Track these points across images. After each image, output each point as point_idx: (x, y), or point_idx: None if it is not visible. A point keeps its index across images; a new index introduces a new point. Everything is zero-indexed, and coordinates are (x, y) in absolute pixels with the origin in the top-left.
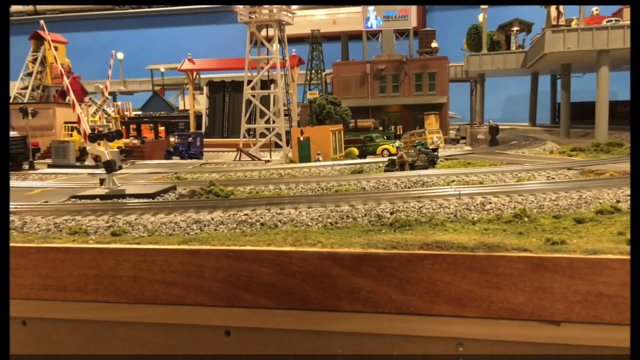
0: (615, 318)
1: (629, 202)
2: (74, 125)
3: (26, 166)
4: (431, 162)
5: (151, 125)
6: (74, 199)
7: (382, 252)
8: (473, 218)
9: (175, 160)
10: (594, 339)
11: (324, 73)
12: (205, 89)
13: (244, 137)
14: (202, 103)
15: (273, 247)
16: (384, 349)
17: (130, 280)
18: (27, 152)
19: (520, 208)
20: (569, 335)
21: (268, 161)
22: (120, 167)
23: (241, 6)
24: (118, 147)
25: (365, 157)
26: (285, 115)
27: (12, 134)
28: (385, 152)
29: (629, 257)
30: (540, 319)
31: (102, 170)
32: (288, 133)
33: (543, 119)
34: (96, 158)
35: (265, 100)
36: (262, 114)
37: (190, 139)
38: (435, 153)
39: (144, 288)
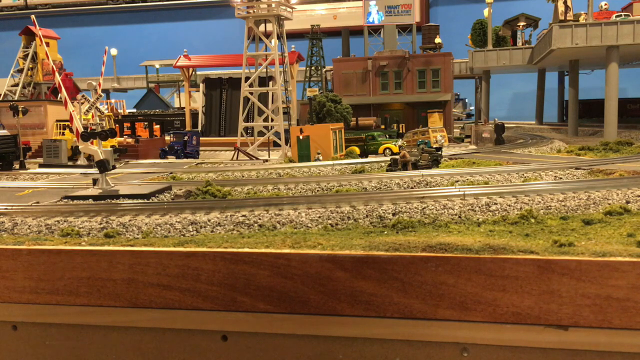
0: (625, 322)
1: (639, 203)
2: (66, 123)
3: (17, 166)
4: (435, 162)
5: (146, 123)
6: (66, 200)
7: (384, 255)
8: (478, 219)
9: (171, 159)
10: (603, 344)
11: (324, 69)
12: (201, 86)
13: (242, 135)
14: (198, 100)
15: (272, 249)
16: (386, 355)
17: (124, 283)
18: (18, 151)
19: (526, 209)
20: (577, 340)
21: (266, 160)
22: (114, 167)
23: (239, 0)
24: (111, 146)
25: (366, 157)
26: (284, 113)
27: (2, 132)
28: (387, 151)
29: (639, 259)
30: (547, 323)
31: (95, 170)
32: (287, 131)
33: (550, 116)
34: (89, 157)
35: (263, 98)
36: (261, 112)
37: (186, 138)
38: (439, 152)
39: (139, 291)
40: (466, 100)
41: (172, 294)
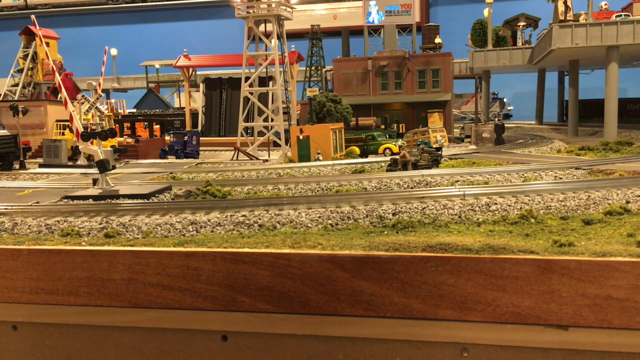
0: (625, 322)
1: (639, 203)
2: (66, 123)
3: (17, 166)
4: (435, 162)
5: (146, 123)
6: (66, 200)
7: (384, 255)
8: (478, 219)
9: (171, 159)
10: (603, 344)
11: (324, 69)
12: (201, 86)
13: (242, 135)
14: (198, 100)
15: (271, 249)
16: (386, 354)
17: (124, 283)
18: (18, 151)
19: (526, 209)
20: (577, 340)
21: (266, 160)
22: (114, 167)
23: (239, 0)
24: (111, 146)
25: (366, 157)
26: (284, 113)
27: (2, 132)
28: (387, 151)
29: (639, 259)
30: (547, 323)
31: (95, 170)
32: (287, 131)
33: (550, 116)
34: (89, 157)
35: (263, 98)
36: (261, 112)
37: (186, 138)
38: (439, 152)
39: (139, 291)
40: (504, 100)
41: (172, 294)
